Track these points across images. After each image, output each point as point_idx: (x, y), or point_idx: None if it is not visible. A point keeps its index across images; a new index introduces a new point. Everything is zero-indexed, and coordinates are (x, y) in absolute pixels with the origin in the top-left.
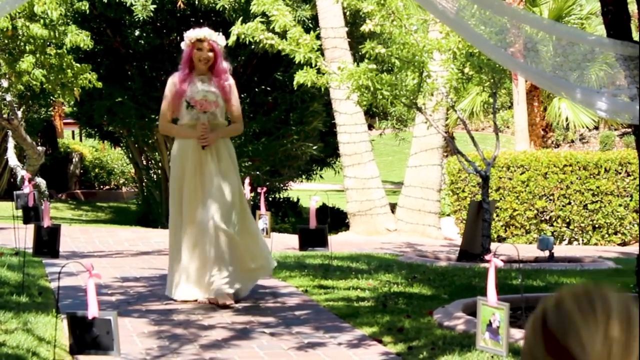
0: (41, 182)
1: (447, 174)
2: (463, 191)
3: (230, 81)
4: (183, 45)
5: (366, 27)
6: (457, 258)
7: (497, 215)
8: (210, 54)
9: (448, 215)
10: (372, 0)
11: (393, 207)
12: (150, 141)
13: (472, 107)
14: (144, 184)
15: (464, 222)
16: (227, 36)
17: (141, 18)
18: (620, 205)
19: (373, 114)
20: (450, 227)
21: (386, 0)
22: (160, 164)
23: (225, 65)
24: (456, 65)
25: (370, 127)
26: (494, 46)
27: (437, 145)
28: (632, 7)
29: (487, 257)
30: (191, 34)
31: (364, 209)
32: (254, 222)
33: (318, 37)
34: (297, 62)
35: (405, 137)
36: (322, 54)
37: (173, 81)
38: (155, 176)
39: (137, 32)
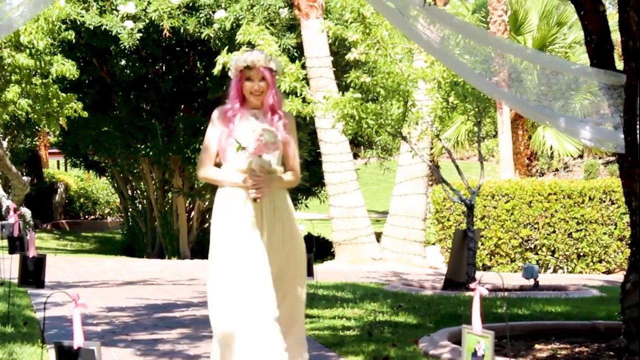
0: (26, 212)
1: (432, 202)
2: (448, 220)
3: (289, 118)
4: (231, 74)
5: (351, 56)
6: (442, 287)
7: (482, 244)
8: (263, 84)
9: (433, 244)
10: (357, 30)
11: (378, 236)
12: (135, 171)
13: (457, 135)
14: (129, 213)
15: (449, 250)
16: (213, 65)
17: (127, 47)
18: (604, 233)
19: (358, 143)
20: (436, 256)
21: (371, 30)
22: (145, 194)
23: (278, 97)
24: (441, 94)
25: (356, 156)
26: (478, 75)
27: (422, 174)
28: (616, 36)
29: (472, 286)
30: (238, 61)
31: (350, 238)
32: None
33: (303, 67)
34: (282, 91)
35: (390, 166)
36: (308, 83)
37: (217, 117)
38: (140, 206)
39: (123, 62)
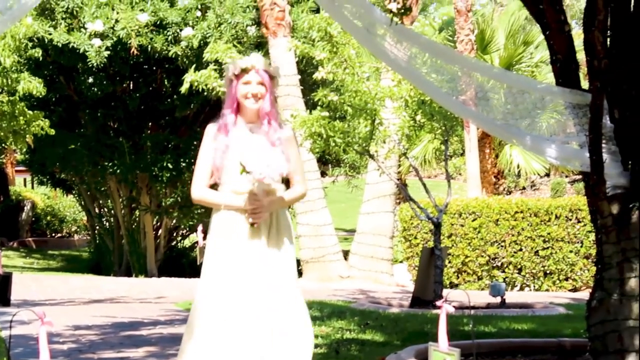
0: None
1: (400, 220)
2: (415, 238)
3: (287, 132)
4: (224, 84)
5: (318, 75)
6: (409, 304)
7: (449, 262)
8: (261, 88)
9: (401, 261)
10: (325, 48)
11: (346, 254)
12: (102, 189)
13: (424, 154)
14: (96, 231)
15: (417, 268)
16: (180, 83)
17: (95, 65)
18: (571, 251)
19: (326, 161)
20: (403, 274)
21: (338, 48)
22: (112, 212)
23: (276, 108)
24: (408, 112)
25: (323, 174)
26: (445, 94)
27: (389, 192)
28: (581, 56)
29: (438, 303)
30: (234, 64)
31: (317, 256)
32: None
33: None
34: None
35: (358, 184)
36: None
37: (212, 133)
38: (107, 224)
39: (90, 79)
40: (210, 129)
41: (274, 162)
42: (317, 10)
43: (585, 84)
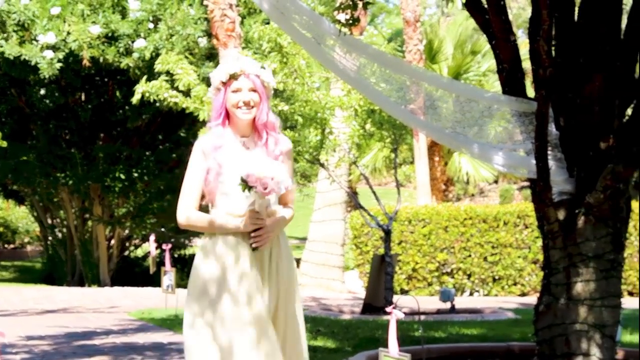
0: None
1: (350, 228)
2: (366, 245)
3: (287, 144)
4: (211, 91)
5: None
6: (361, 311)
7: (400, 268)
8: (254, 96)
9: (352, 269)
10: (275, 59)
11: (297, 261)
12: (55, 199)
13: (374, 162)
14: (49, 242)
15: (368, 275)
16: (132, 94)
17: (46, 77)
18: (519, 257)
19: None
20: (354, 281)
21: (288, 59)
22: (65, 222)
23: (273, 118)
24: (358, 121)
25: None
26: (394, 103)
27: (340, 200)
28: (527, 64)
29: (388, 310)
30: (221, 70)
31: None
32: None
33: None
34: (201, 119)
35: (309, 193)
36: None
37: (202, 150)
38: (60, 234)
39: (42, 91)
40: (200, 145)
41: (279, 175)
42: (268, 22)
43: (531, 92)
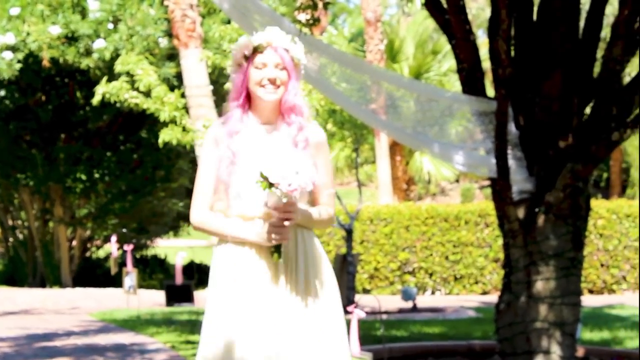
0: None
1: None
2: (328, 244)
3: (318, 133)
4: (230, 67)
5: (230, 85)
6: None
7: (362, 268)
8: (282, 74)
9: None
10: None
11: None
12: (15, 201)
13: (335, 162)
14: (9, 243)
15: None
16: (92, 95)
17: (6, 78)
18: (480, 255)
19: None
20: None
21: None
22: (26, 224)
23: (301, 102)
24: (319, 121)
25: None
26: (355, 103)
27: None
28: (487, 64)
29: (349, 309)
30: (245, 41)
31: None
32: None
33: (183, 95)
34: (162, 120)
35: None
36: (187, 112)
37: (215, 137)
38: (21, 236)
39: (2, 92)
40: (213, 130)
41: (304, 168)
42: (229, 22)
43: (491, 91)
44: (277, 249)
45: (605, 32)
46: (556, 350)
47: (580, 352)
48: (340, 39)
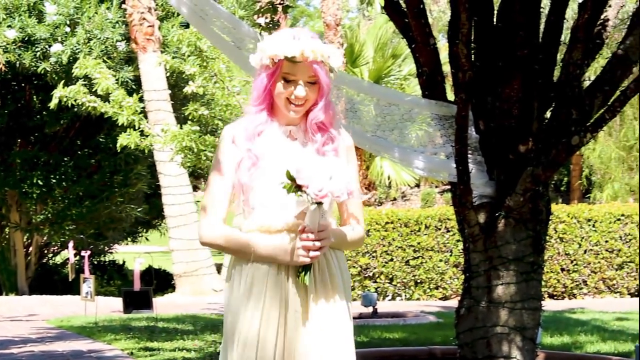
0: None
1: None
2: None
3: (347, 139)
4: (254, 61)
5: (189, 89)
6: None
7: None
8: (312, 91)
9: None
10: (195, 63)
11: (220, 267)
12: None
13: None
14: None
15: None
16: (49, 99)
17: None
18: (440, 260)
19: (198, 175)
20: None
21: (208, 63)
22: None
23: (333, 112)
24: None
25: (196, 188)
26: None
27: None
28: (447, 68)
29: None
30: (274, 46)
31: (190, 270)
32: None
33: (141, 100)
34: (120, 124)
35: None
36: (146, 116)
37: (231, 139)
38: None
39: None
40: (229, 131)
41: (339, 174)
42: (187, 25)
43: (451, 95)
44: (305, 269)
45: (565, 36)
46: (517, 355)
47: (540, 356)
48: None
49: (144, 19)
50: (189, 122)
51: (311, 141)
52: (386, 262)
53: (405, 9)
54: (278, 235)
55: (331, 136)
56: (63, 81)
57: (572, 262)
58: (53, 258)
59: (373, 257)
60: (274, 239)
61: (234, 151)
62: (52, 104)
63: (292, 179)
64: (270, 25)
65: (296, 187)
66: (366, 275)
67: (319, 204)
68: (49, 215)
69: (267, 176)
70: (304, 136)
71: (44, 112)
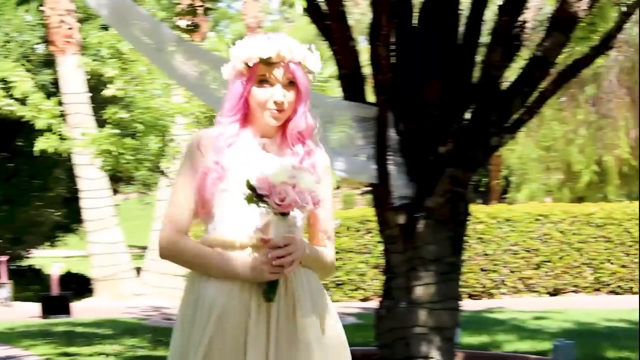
0: None
1: (195, 236)
2: None
3: (324, 159)
4: (227, 71)
5: (108, 92)
6: None
7: None
8: (291, 95)
9: None
10: (115, 65)
11: (139, 270)
12: None
13: None
14: None
15: None
16: None
17: None
18: (361, 262)
19: (118, 178)
20: None
21: (129, 65)
22: None
23: (311, 122)
24: (199, 129)
25: (115, 191)
26: None
27: None
28: (368, 70)
29: None
30: (250, 48)
31: (109, 274)
32: None
33: (60, 103)
34: (38, 128)
35: (150, 201)
36: (65, 120)
37: (196, 149)
38: None
39: None
40: (197, 139)
41: (304, 181)
42: (107, 28)
43: (372, 97)
44: (270, 287)
45: (485, 38)
46: (435, 355)
47: (459, 356)
48: (221, 45)
49: (63, 21)
50: (108, 125)
51: (290, 155)
52: None
53: (326, 12)
54: (241, 252)
55: (308, 150)
56: None
57: (490, 262)
58: None
59: None
60: (238, 255)
61: (201, 160)
62: None
63: (252, 188)
64: (191, 27)
65: (257, 197)
66: None
67: (284, 214)
68: None
69: (233, 189)
70: (277, 150)
71: None
